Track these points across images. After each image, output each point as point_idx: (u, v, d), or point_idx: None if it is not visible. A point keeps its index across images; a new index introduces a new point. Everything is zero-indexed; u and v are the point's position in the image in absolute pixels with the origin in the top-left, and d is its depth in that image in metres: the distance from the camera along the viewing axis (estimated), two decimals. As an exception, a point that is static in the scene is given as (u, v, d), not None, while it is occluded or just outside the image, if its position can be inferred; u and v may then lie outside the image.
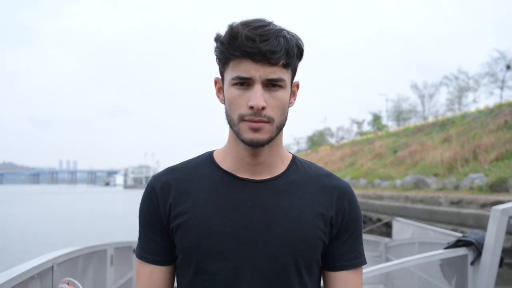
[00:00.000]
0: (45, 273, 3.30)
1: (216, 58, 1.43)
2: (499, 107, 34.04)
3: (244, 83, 1.36)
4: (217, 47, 1.40)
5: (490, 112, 32.80)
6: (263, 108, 1.34)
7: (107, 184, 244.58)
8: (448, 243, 4.85)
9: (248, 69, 1.34)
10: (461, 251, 4.62)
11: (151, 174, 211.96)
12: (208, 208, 1.45)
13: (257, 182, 1.48)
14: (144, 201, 1.56)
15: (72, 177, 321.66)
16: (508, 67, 45.50)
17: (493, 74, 48.79)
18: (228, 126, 1.47)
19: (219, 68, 1.45)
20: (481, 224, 14.92)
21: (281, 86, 1.37)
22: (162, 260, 1.53)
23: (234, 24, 1.35)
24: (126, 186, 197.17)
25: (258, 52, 1.31)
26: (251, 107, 1.34)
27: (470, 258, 4.58)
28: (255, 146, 1.40)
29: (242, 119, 1.37)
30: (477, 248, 4.52)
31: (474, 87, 56.37)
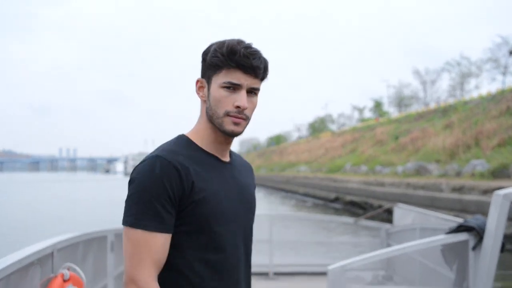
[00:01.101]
0: (45, 259, 3.30)
1: (210, 64, 1.83)
2: (502, 93, 33.96)
3: (231, 87, 1.79)
4: (215, 57, 1.80)
5: (492, 98, 32.73)
6: (245, 108, 1.80)
7: (107, 171, 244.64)
8: (450, 228, 4.84)
9: (239, 77, 1.78)
10: (462, 236, 4.61)
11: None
12: (215, 184, 1.84)
13: (227, 163, 1.97)
14: (164, 176, 1.73)
15: (72, 164, 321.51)
16: (510, 52, 45.26)
17: (495, 59, 48.63)
18: (202, 117, 1.93)
19: (207, 72, 1.86)
20: (483, 210, 14.91)
21: (256, 94, 1.87)
22: (172, 229, 1.77)
23: (230, 42, 1.80)
24: (126, 174, 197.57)
25: (250, 66, 1.77)
26: (237, 107, 1.79)
27: (472, 244, 4.56)
28: (233, 136, 1.87)
29: (227, 114, 1.80)
30: (478, 233, 4.51)
31: (477, 73, 56.26)
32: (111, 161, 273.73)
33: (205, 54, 1.87)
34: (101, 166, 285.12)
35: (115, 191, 67.68)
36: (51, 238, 3.56)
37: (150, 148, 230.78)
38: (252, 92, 1.83)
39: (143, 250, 1.68)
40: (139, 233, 1.68)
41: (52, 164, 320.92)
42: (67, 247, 3.74)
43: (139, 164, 1.83)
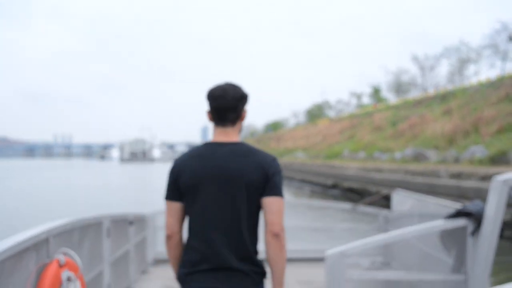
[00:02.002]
0: (41, 245, 3.28)
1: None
2: (501, 79, 33.91)
3: None
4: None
5: (492, 84, 32.70)
6: None
7: (103, 157, 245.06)
8: (448, 214, 4.82)
9: None
10: (461, 222, 4.60)
11: (148, 147, 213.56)
12: None
13: None
14: None
15: (67, 151, 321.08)
16: (510, 38, 45.11)
17: (495, 45, 48.46)
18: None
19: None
20: (482, 196, 14.92)
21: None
22: None
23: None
24: (122, 160, 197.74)
25: None
26: None
27: (470, 229, 4.55)
28: None
29: None
30: (477, 218, 4.49)
31: (476, 59, 56.09)
32: (106, 147, 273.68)
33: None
34: (96, 152, 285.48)
35: (111, 177, 67.84)
36: (46, 224, 3.54)
37: (146, 134, 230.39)
38: None
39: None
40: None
41: (47, 151, 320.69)
42: (63, 233, 3.72)
43: None
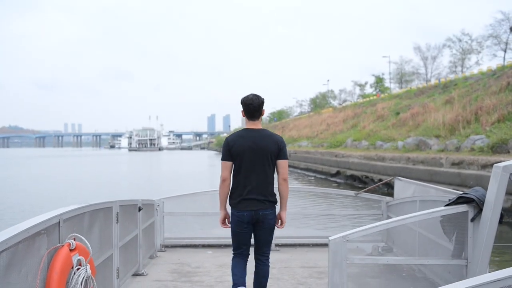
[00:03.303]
0: (52, 229, 3.36)
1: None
2: (502, 69, 33.83)
3: None
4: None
5: (493, 74, 32.63)
6: None
7: (112, 146, 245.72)
8: (449, 200, 4.89)
9: None
10: (462, 208, 4.66)
11: (156, 136, 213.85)
12: None
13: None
14: None
15: (78, 140, 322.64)
16: (511, 29, 44.97)
17: (496, 36, 48.32)
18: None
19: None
20: (482, 184, 14.87)
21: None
22: None
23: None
24: (130, 149, 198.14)
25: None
26: None
27: (471, 215, 4.62)
28: None
29: None
30: (478, 204, 4.56)
31: (477, 50, 55.94)
32: (115, 136, 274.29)
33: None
34: (106, 141, 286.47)
35: (120, 166, 68.01)
36: (57, 209, 3.62)
37: (154, 123, 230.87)
38: None
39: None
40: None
41: (58, 140, 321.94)
42: (73, 218, 3.80)
43: None
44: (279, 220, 4.99)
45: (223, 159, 4.84)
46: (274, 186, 4.90)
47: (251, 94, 4.86)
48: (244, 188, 4.77)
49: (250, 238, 4.94)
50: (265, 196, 4.79)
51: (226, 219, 5.01)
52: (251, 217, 4.76)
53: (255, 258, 5.00)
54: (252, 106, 4.81)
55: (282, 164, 4.86)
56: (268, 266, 5.04)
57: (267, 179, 4.82)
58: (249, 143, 4.75)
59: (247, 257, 5.02)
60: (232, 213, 4.87)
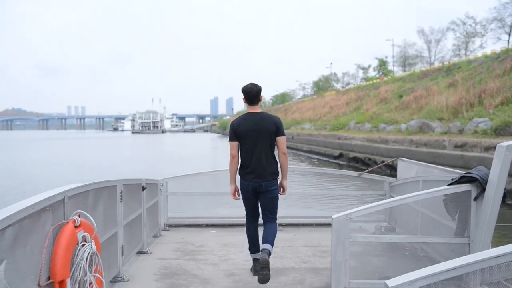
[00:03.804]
0: (57, 205, 3.38)
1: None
2: (506, 52, 33.67)
3: None
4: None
5: (497, 58, 32.47)
6: None
7: (115, 129, 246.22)
8: (452, 179, 4.90)
9: None
10: (465, 187, 4.68)
11: (159, 119, 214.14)
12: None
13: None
14: None
15: (81, 122, 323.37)
16: (516, 12, 44.68)
17: (501, 19, 48.00)
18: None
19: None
20: (485, 166, 14.95)
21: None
22: None
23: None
24: (133, 131, 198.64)
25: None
26: None
27: (474, 194, 4.63)
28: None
29: None
30: (481, 184, 4.57)
31: (482, 33, 55.61)
32: (118, 119, 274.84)
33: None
34: (109, 124, 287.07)
35: (123, 148, 68.16)
36: (62, 186, 3.64)
37: (157, 106, 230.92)
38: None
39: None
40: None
41: (61, 122, 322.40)
42: (78, 195, 3.82)
43: None
44: (281, 188, 5.75)
45: (230, 140, 5.59)
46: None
47: (250, 83, 5.64)
48: (250, 163, 5.54)
49: (257, 205, 5.73)
50: (266, 170, 5.52)
51: (236, 192, 5.68)
52: (255, 188, 5.53)
53: (263, 219, 5.71)
54: (251, 94, 5.56)
55: (281, 140, 5.56)
56: (276, 223, 5.72)
57: (268, 154, 5.55)
58: (251, 125, 5.49)
59: (258, 223, 5.83)
60: (240, 184, 5.65)
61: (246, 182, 5.57)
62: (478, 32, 56.11)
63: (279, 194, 5.71)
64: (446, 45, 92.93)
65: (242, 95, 5.61)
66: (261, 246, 5.39)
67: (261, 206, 5.71)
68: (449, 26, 59.82)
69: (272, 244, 5.41)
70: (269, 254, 5.23)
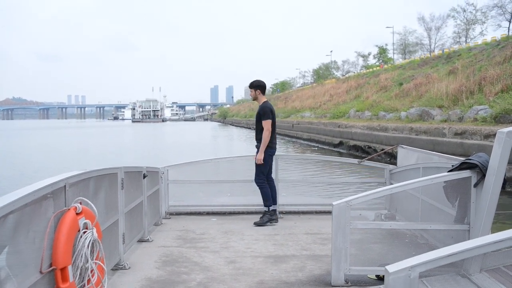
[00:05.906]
0: (58, 192, 3.39)
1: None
2: (507, 39, 33.55)
3: None
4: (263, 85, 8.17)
5: (497, 45, 32.36)
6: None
7: (116, 118, 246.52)
8: (452, 166, 4.90)
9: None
10: (465, 173, 4.69)
11: (159, 108, 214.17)
12: None
13: None
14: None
15: (81, 111, 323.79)
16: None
17: (501, 6, 47.83)
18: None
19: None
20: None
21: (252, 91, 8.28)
22: None
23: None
24: (134, 120, 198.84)
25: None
26: None
27: (474, 180, 4.64)
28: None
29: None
30: (481, 170, 4.57)
31: (482, 20, 55.44)
32: (119, 107, 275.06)
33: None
34: (109, 112, 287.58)
35: (124, 137, 68.20)
36: (63, 173, 3.64)
37: (157, 95, 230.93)
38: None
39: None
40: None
41: (61, 111, 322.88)
42: (79, 182, 3.83)
43: None
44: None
45: (269, 118, 7.71)
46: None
47: (259, 80, 8.09)
48: (274, 136, 7.84)
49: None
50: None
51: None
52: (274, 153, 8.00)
53: (267, 180, 7.97)
54: (265, 85, 8.08)
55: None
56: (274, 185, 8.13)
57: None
58: (273, 108, 7.93)
59: None
60: (269, 152, 7.78)
61: (273, 150, 7.80)
62: (478, 19, 55.94)
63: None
64: (447, 33, 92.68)
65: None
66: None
67: (269, 170, 7.98)
68: (450, 13, 59.67)
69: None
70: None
